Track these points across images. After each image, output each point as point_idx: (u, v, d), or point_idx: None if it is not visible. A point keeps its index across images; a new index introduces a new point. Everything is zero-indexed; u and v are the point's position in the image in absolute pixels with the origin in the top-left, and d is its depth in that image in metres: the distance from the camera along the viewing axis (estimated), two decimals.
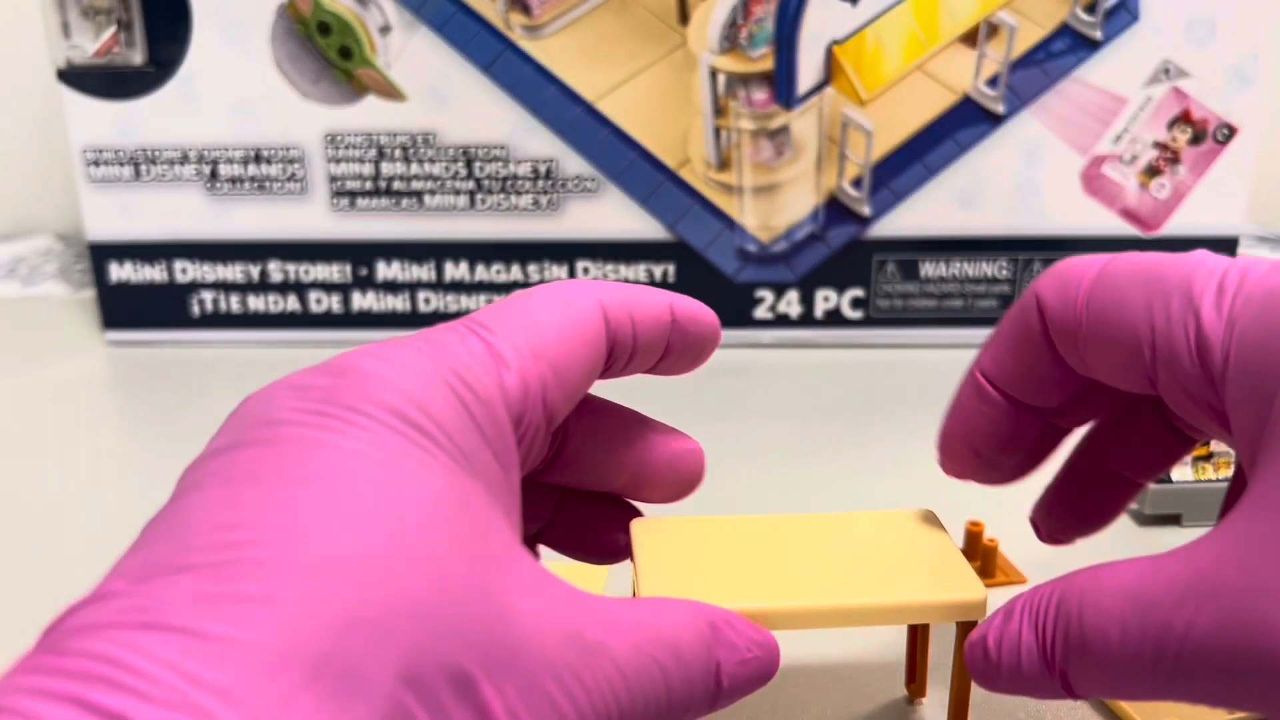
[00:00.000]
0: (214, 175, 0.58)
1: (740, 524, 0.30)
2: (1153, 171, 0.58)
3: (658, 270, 0.60)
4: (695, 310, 0.28)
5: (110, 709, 0.15)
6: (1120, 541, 0.42)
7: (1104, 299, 0.25)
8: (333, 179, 0.58)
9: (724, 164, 0.58)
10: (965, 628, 0.27)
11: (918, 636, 0.33)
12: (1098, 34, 0.56)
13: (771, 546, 0.29)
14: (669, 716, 0.23)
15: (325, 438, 0.20)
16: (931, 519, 0.31)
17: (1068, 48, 0.56)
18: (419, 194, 0.59)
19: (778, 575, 0.27)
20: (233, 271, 0.60)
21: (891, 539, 0.30)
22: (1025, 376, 0.27)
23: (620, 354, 0.26)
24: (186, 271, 0.60)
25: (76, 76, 0.57)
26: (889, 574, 0.28)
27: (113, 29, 0.57)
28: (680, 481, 0.29)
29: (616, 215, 0.59)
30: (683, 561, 0.28)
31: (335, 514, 0.19)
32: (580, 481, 0.29)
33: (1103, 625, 0.22)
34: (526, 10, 0.56)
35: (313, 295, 0.61)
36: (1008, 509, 0.44)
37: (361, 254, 0.60)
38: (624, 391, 0.31)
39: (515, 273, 0.60)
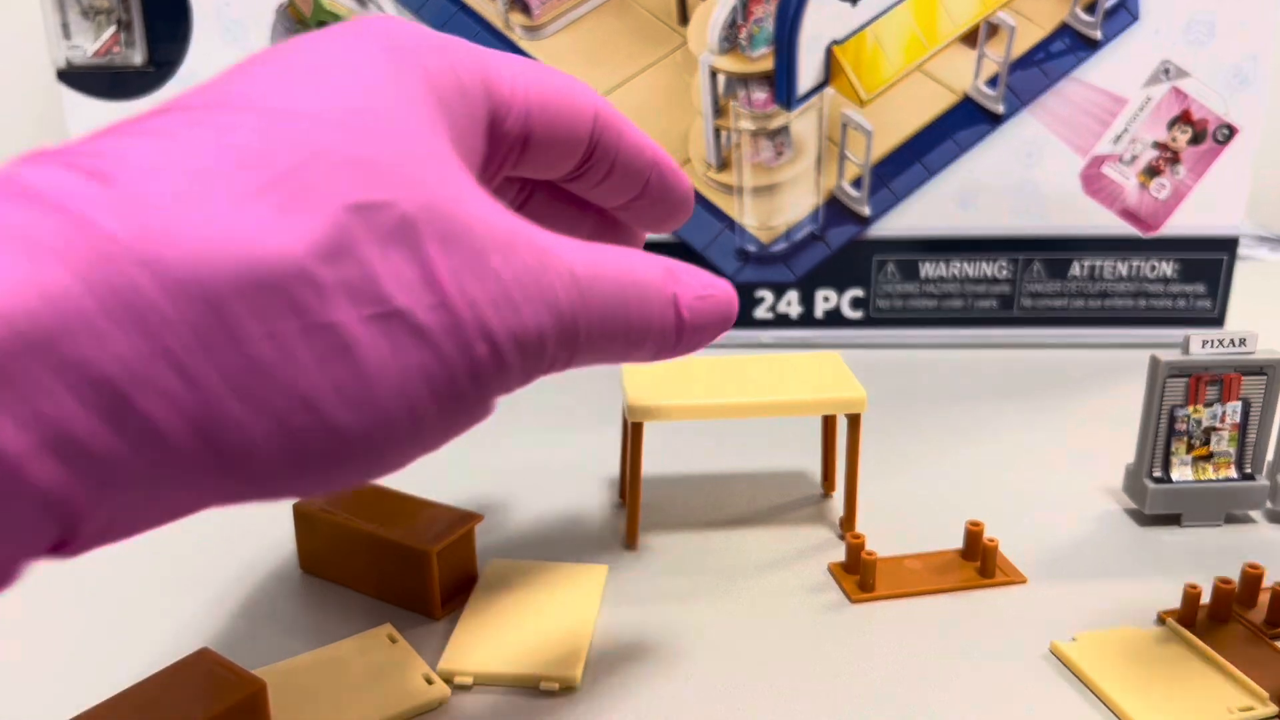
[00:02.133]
0: None
1: (703, 363, 0.42)
2: (1152, 171, 0.58)
3: None
4: (668, 161, 0.31)
5: (93, 168, 0.19)
6: (1123, 540, 0.42)
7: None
8: None
9: (724, 164, 0.58)
10: (851, 420, 0.40)
11: (829, 446, 0.44)
12: (1097, 34, 0.56)
13: (726, 372, 0.41)
14: (634, 337, 0.26)
15: (317, 41, 0.23)
16: (835, 359, 0.43)
17: (1067, 48, 0.56)
18: None
19: (727, 387, 0.40)
20: None
21: (805, 369, 0.42)
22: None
23: (503, 120, 0.27)
24: None
25: (76, 77, 0.57)
26: (797, 385, 0.40)
27: (113, 29, 0.57)
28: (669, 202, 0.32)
29: None
30: (661, 380, 0.40)
31: (314, 82, 0.21)
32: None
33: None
34: (527, 11, 0.56)
35: None
36: (1007, 510, 0.44)
37: None
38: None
39: None
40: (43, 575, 0.39)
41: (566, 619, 0.36)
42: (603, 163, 0.29)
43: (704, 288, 0.28)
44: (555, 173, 0.29)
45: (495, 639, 0.35)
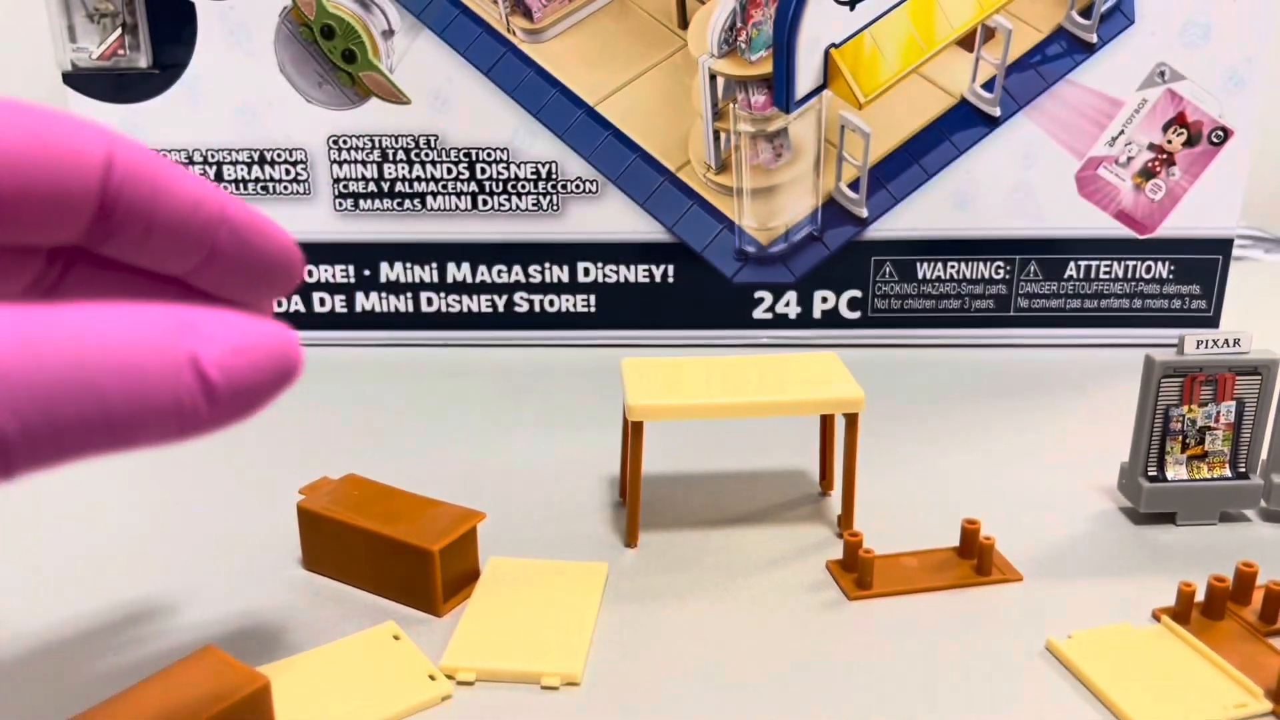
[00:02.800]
0: (219, 177, 0.59)
1: (702, 363, 0.43)
2: (1148, 174, 0.59)
3: (657, 270, 0.60)
4: (251, 216, 0.26)
5: None
6: (1118, 538, 0.42)
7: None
8: (336, 181, 0.59)
9: (723, 166, 0.58)
10: (849, 419, 0.41)
11: (827, 445, 0.45)
12: (1093, 37, 0.56)
13: (725, 372, 0.42)
14: (123, 415, 0.20)
15: None
16: (833, 359, 0.43)
17: (1063, 51, 0.57)
18: (422, 196, 0.59)
19: (726, 387, 0.41)
20: None
21: (803, 369, 0.43)
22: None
23: None
24: None
25: (82, 80, 0.57)
26: (795, 385, 0.41)
27: (118, 33, 0.57)
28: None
29: (617, 217, 0.59)
30: (661, 379, 0.41)
31: None
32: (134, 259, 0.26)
33: None
34: (528, 14, 0.56)
35: (316, 296, 0.61)
36: (1004, 508, 0.44)
37: (365, 255, 0.60)
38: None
39: (517, 273, 0.61)
40: (45, 575, 0.40)
41: (567, 616, 0.37)
42: (133, 224, 0.24)
43: (241, 338, 0.21)
44: (52, 238, 0.24)
45: (497, 636, 0.36)
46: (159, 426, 0.20)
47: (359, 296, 0.61)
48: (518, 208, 0.59)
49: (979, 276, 0.60)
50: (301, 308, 0.61)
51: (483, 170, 0.59)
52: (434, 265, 0.61)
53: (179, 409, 0.20)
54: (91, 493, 0.46)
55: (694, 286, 0.61)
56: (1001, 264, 0.60)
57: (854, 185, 0.59)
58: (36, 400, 0.19)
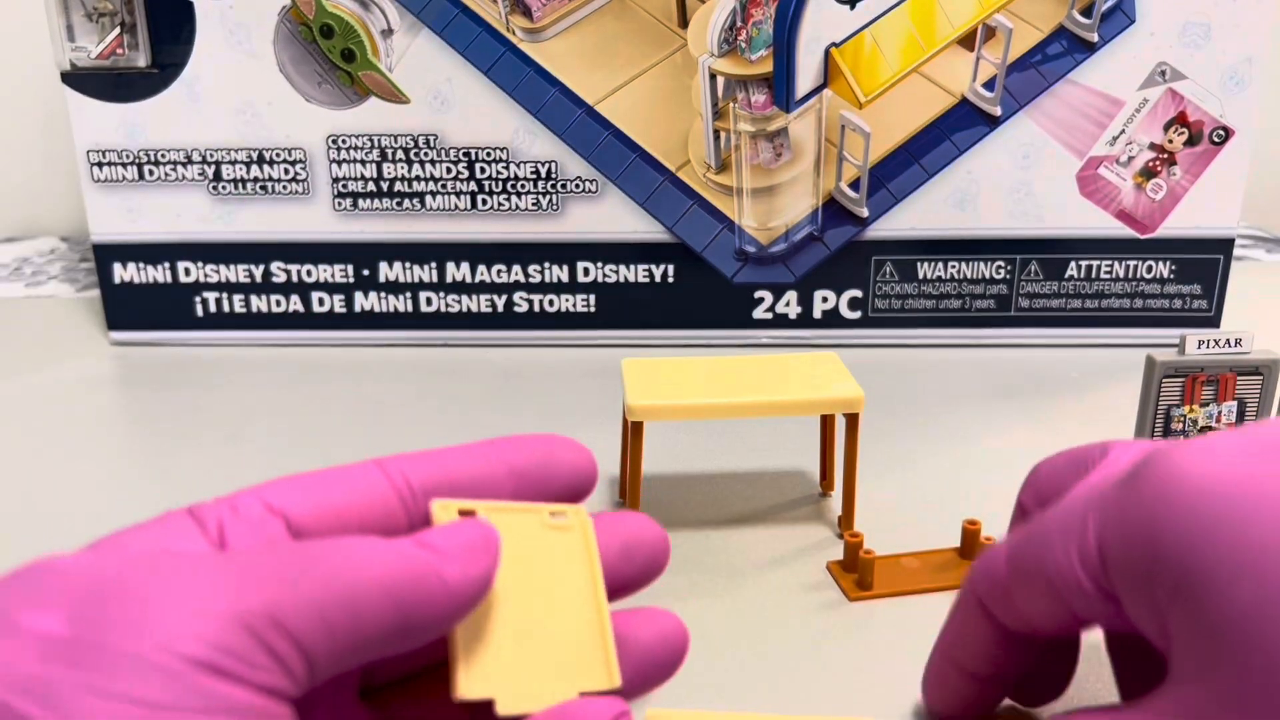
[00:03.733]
0: (217, 177, 0.59)
1: (702, 363, 0.43)
2: (1148, 173, 0.58)
3: (657, 270, 0.60)
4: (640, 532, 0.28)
5: None
6: None
7: (1021, 559, 0.28)
8: (335, 180, 0.59)
9: (723, 166, 0.58)
10: (850, 419, 0.41)
11: (827, 445, 0.45)
12: (1094, 37, 0.56)
13: (725, 372, 0.42)
14: (409, 622, 0.23)
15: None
16: (833, 359, 0.43)
17: (1064, 50, 0.57)
18: (421, 195, 0.59)
19: (726, 387, 0.41)
20: (236, 272, 0.61)
21: (803, 369, 0.42)
22: (975, 656, 0.31)
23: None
24: (190, 272, 0.61)
25: (81, 79, 0.57)
26: (795, 385, 0.41)
27: (117, 32, 0.57)
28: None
29: (617, 216, 0.59)
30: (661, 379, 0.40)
31: None
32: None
33: None
34: (528, 13, 0.56)
35: (315, 296, 0.61)
36: (1004, 509, 0.44)
37: (364, 255, 0.60)
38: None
39: (516, 274, 0.61)
40: None
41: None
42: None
43: (462, 544, 0.25)
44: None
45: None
46: (431, 614, 0.23)
47: (358, 296, 0.61)
48: (517, 207, 0.59)
49: (979, 276, 0.60)
50: (301, 308, 0.61)
51: (482, 170, 0.59)
52: (433, 265, 0.60)
53: (438, 591, 0.23)
54: (94, 493, 0.46)
55: (694, 286, 0.60)
56: (1002, 264, 0.60)
57: (854, 185, 0.59)
58: (344, 615, 0.22)
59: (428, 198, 0.59)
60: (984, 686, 0.31)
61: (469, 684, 0.25)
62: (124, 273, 0.61)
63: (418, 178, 0.59)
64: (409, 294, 0.61)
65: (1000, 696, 0.32)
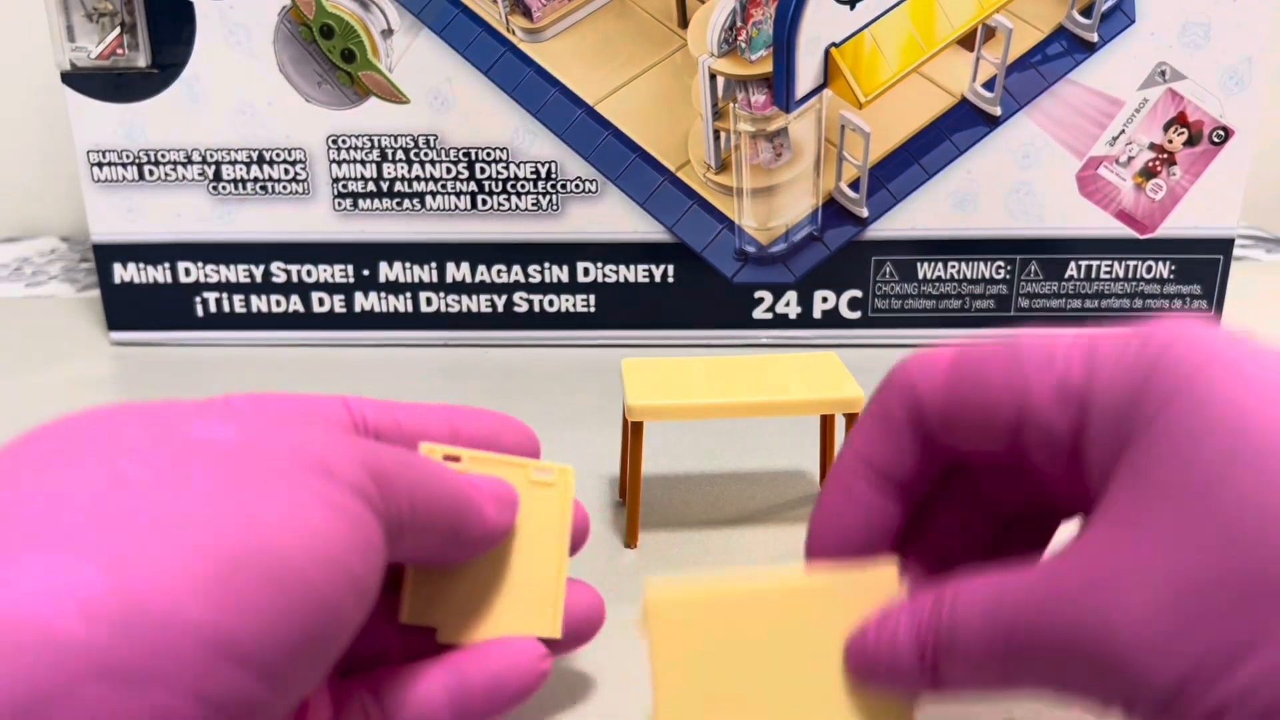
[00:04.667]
0: (218, 177, 0.59)
1: (702, 362, 0.43)
2: (1148, 173, 0.58)
3: (657, 270, 0.60)
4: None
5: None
6: None
7: (967, 367, 0.26)
8: (335, 180, 0.59)
9: (723, 166, 0.58)
10: (849, 419, 0.40)
11: (827, 445, 0.44)
12: (1093, 37, 0.56)
13: (725, 372, 0.42)
14: (456, 533, 0.28)
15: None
16: (833, 359, 0.43)
17: (1064, 50, 0.57)
18: (421, 195, 0.59)
19: (726, 387, 0.40)
20: (236, 272, 0.61)
21: (803, 369, 0.42)
22: (890, 456, 0.28)
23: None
24: (190, 272, 0.61)
25: (81, 79, 0.57)
26: (795, 385, 0.40)
27: (116, 32, 0.57)
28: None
29: (617, 217, 0.59)
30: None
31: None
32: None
33: (970, 617, 0.24)
34: (527, 13, 0.56)
35: (315, 296, 0.61)
36: None
37: (364, 255, 0.60)
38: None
39: (516, 274, 0.61)
40: None
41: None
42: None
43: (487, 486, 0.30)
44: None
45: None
46: (470, 535, 0.28)
47: (358, 296, 0.61)
48: (517, 208, 0.59)
49: (979, 276, 0.60)
50: (301, 308, 0.61)
51: (482, 170, 0.59)
52: (433, 265, 0.60)
53: (479, 522, 0.28)
54: None
55: (694, 286, 0.60)
56: (1002, 264, 0.60)
57: (854, 185, 0.59)
58: (426, 506, 0.26)
59: (428, 198, 0.59)
60: (893, 501, 0.28)
61: (414, 610, 0.29)
62: (124, 273, 0.61)
63: (418, 178, 0.59)
64: (409, 294, 0.61)
65: (892, 543, 0.28)
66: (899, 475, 0.28)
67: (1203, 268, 0.60)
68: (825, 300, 0.61)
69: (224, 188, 0.59)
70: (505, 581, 0.30)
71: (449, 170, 0.59)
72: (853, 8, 0.55)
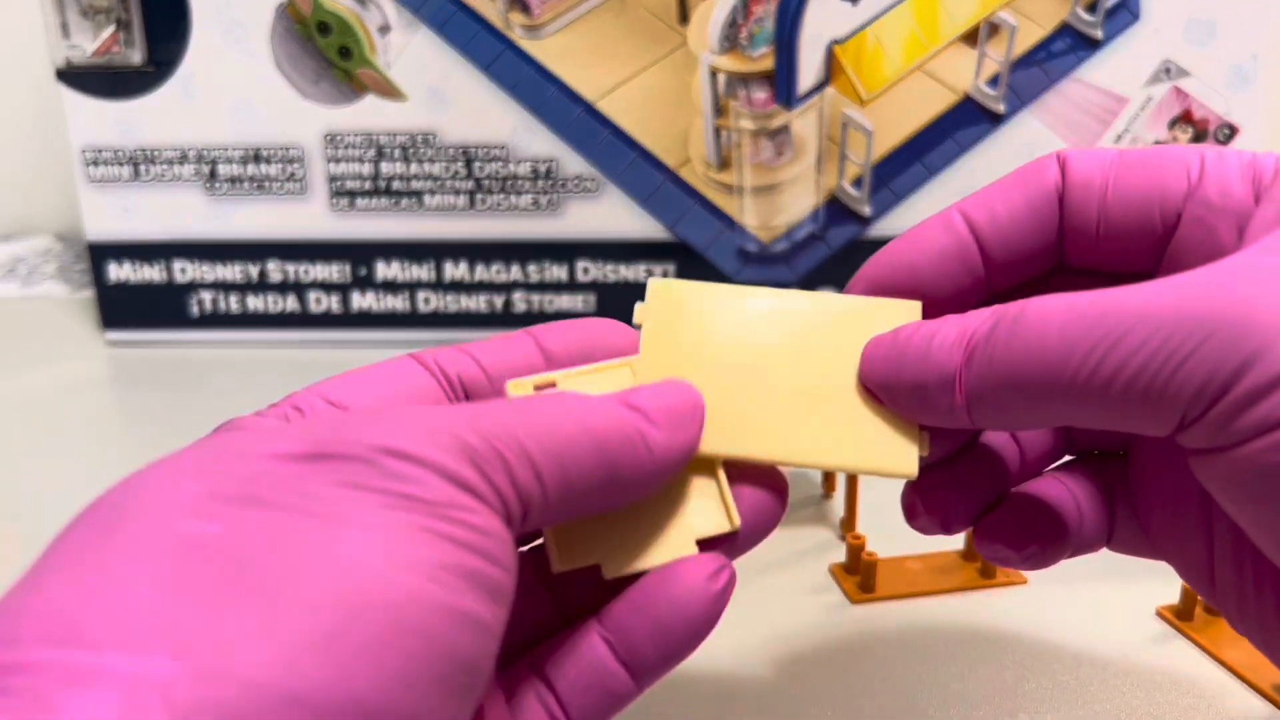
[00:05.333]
0: (213, 175, 0.58)
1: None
2: None
3: (658, 270, 0.60)
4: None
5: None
6: None
7: (1135, 159, 0.26)
8: (332, 179, 0.58)
9: (724, 164, 0.58)
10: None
11: None
12: (1098, 34, 0.56)
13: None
14: (620, 481, 0.23)
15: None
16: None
17: (1068, 47, 0.56)
18: (418, 194, 0.59)
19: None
20: (232, 271, 0.60)
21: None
22: (1014, 225, 0.26)
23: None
24: (186, 271, 0.60)
25: (76, 76, 0.57)
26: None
27: (112, 29, 0.56)
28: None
29: (616, 215, 0.59)
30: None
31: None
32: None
33: (1043, 324, 0.22)
34: (526, 10, 0.56)
35: (312, 295, 0.61)
36: None
37: (361, 254, 0.60)
38: None
39: (515, 273, 0.60)
40: None
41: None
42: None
43: (657, 392, 0.25)
44: None
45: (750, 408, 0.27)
46: (636, 475, 0.23)
47: (355, 295, 0.61)
48: (516, 206, 0.59)
49: None
50: (297, 307, 0.61)
51: (480, 168, 0.58)
52: (431, 264, 0.60)
53: (643, 453, 0.23)
54: (90, 494, 0.46)
55: None
56: None
57: (856, 183, 0.58)
58: (554, 465, 0.21)
59: (425, 196, 0.59)
60: (973, 274, 0.26)
61: (565, 554, 0.25)
62: (119, 272, 0.60)
63: (415, 176, 0.58)
64: (406, 293, 0.61)
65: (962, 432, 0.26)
66: (1003, 241, 0.26)
67: None
68: None
69: (219, 186, 0.59)
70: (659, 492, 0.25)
71: (447, 168, 0.58)
72: (855, 4, 0.54)
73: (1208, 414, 0.20)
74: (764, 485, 0.26)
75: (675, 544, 0.25)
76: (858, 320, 0.26)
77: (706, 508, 0.25)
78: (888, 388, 0.25)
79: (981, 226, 0.26)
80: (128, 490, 0.20)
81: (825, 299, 0.26)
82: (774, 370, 0.26)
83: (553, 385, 0.25)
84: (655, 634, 0.24)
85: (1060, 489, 0.28)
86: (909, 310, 0.26)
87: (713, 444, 0.25)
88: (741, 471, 0.26)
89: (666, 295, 0.27)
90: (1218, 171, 0.24)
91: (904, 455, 0.25)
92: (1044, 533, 0.28)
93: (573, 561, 0.24)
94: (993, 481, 0.28)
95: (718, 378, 0.26)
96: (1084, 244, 0.26)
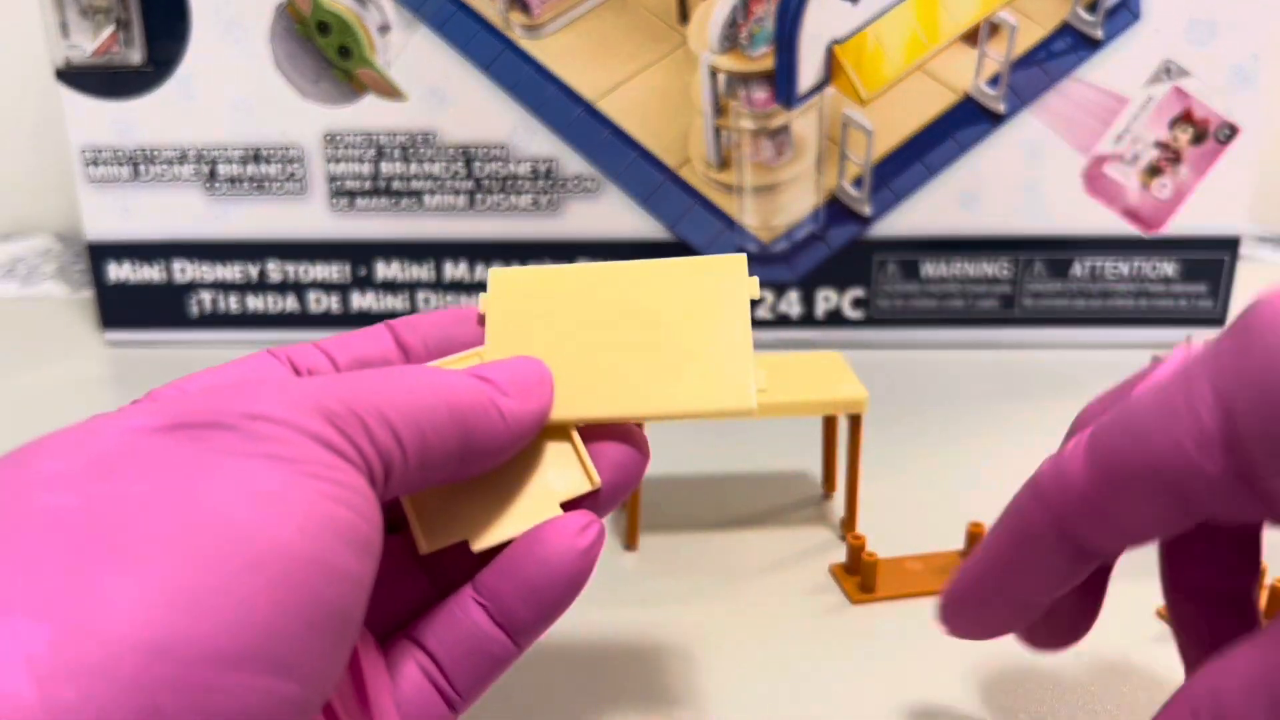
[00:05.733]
0: (213, 175, 0.58)
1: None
2: (1154, 171, 0.58)
3: None
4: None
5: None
6: None
7: (1110, 463, 0.23)
8: (332, 178, 0.58)
9: (724, 164, 0.58)
10: (852, 420, 0.37)
11: (830, 446, 0.43)
12: (1099, 33, 0.56)
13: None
14: (473, 450, 0.24)
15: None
16: (836, 359, 0.33)
17: (1069, 47, 0.56)
18: (418, 193, 0.59)
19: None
20: (231, 271, 0.60)
21: (806, 369, 0.37)
22: (1038, 581, 0.25)
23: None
24: (185, 271, 0.60)
25: (75, 76, 0.57)
26: (797, 385, 0.31)
27: (111, 28, 0.56)
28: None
29: (616, 215, 0.59)
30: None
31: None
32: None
33: (1242, 695, 0.20)
34: (526, 9, 0.56)
35: (311, 295, 0.61)
36: None
37: (360, 254, 0.60)
38: None
39: None
40: None
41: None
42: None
43: (508, 366, 0.26)
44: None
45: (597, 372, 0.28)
46: (490, 442, 0.24)
47: (354, 295, 0.61)
48: (516, 206, 0.59)
49: (983, 275, 0.60)
50: (297, 307, 0.61)
51: (480, 168, 0.58)
52: (431, 264, 0.60)
53: (496, 421, 0.24)
54: None
55: None
56: (1006, 263, 0.60)
57: (857, 183, 0.58)
58: (413, 430, 0.22)
59: (425, 196, 0.59)
60: (1033, 612, 0.26)
61: (431, 534, 0.26)
62: (118, 272, 0.60)
63: (415, 175, 0.58)
64: (406, 293, 0.60)
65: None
66: (1045, 598, 0.25)
67: (1209, 267, 0.59)
68: (827, 300, 0.60)
69: (219, 186, 0.59)
70: (519, 457, 0.27)
71: (446, 168, 0.58)
72: (855, 4, 0.54)
73: None
74: (621, 440, 0.27)
75: (539, 509, 0.26)
76: (685, 276, 0.28)
77: (566, 471, 0.27)
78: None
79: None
80: None
81: (651, 265, 0.28)
82: (613, 334, 0.28)
83: None
84: (528, 595, 0.25)
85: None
86: (735, 265, 0.28)
87: (563, 410, 0.27)
88: (597, 431, 0.27)
89: (505, 281, 0.29)
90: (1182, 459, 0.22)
91: (741, 392, 0.27)
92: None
93: (439, 540, 0.26)
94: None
95: (562, 349, 0.27)
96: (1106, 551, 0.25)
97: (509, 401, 0.25)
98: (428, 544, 0.25)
